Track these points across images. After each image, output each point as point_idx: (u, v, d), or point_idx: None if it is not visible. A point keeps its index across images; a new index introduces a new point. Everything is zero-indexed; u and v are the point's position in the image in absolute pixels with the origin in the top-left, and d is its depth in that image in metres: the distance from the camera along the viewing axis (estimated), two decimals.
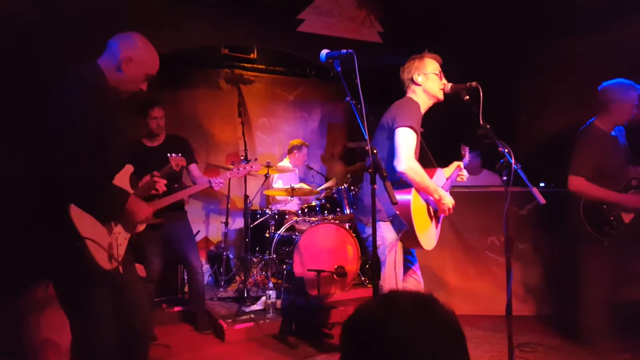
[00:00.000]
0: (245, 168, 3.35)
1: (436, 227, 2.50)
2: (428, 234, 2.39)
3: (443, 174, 2.60)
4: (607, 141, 3.02)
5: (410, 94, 2.45)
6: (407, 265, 2.53)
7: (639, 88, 2.94)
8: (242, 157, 4.06)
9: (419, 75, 2.41)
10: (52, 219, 1.68)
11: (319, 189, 4.76)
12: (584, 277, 3.11)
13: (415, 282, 2.53)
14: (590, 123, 3.07)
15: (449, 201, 2.35)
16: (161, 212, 3.11)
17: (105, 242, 1.77)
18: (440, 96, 2.42)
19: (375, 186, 1.78)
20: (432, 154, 2.62)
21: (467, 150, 2.82)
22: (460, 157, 2.82)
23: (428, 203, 2.42)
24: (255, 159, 3.51)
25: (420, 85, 2.42)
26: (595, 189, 2.94)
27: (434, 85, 2.40)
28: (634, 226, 2.96)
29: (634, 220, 2.96)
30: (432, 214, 2.47)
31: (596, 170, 2.94)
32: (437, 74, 2.41)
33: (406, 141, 2.19)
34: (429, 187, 2.28)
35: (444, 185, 2.53)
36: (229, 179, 3.39)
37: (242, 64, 5.37)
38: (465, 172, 2.72)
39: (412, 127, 2.22)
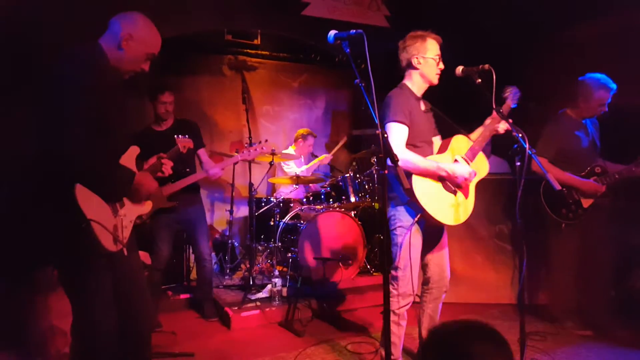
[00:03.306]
0: (256, 150, 3.33)
1: (466, 197, 2.40)
2: (451, 210, 2.33)
3: (463, 140, 2.48)
4: (574, 128, 3.12)
5: (406, 80, 2.46)
6: (431, 252, 2.52)
7: (613, 88, 3.02)
8: (247, 145, 4.02)
9: (417, 58, 2.39)
10: (57, 200, 1.66)
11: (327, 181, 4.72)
12: (550, 260, 3.27)
13: (437, 270, 2.53)
14: (563, 111, 3.20)
15: (461, 171, 2.30)
16: (175, 195, 3.12)
17: (111, 224, 1.76)
18: (435, 81, 2.42)
19: (387, 172, 1.73)
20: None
21: (512, 93, 2.52)
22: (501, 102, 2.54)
23: (443, 180, 2.36)
24: (266, 140, 3.51)
25: (417, 69, 2.41)
26: (557, 170, 3.05)
27: (430, 70, 2.39)
28: (595, 212, 3.03)
29: (592, 206, 3.04)
30: (454, 187, 2.39)
31: (560, 154, 3.07)
32: (435, 59, 2.38)
33: (394, 135, 2.28)
34: (427, 169, 2.28)
35: (469, 150, 2.42)
36: (238, 161, 3.40)
37: (245, 50, 5.30)
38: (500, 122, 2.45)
39: (398, 121, 2.30)
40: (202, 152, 3.48)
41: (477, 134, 2.53)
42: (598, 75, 3.05)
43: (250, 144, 3.92)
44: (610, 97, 3.03)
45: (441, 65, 2.40)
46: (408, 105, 2.36)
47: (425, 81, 2.43)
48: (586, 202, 3.04)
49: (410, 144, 2.39)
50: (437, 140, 2.53)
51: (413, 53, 2.38)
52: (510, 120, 2.29)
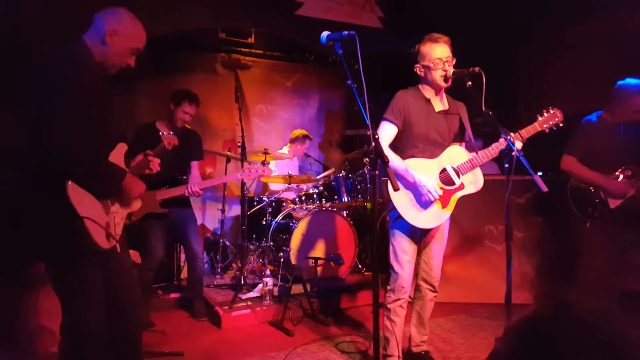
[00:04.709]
0: (257, 171, 3.41)
1: (443, 207, 2.40)
2: (421, 214, 2.37)
3: (459, 151, 2.48)
4: (608, 132, 3.06)
5: (419, 84, 2.51)
6: (422, 250, 2.55)
7: None
8: (239, 144, 4.02)
9: (418, 67, 2.44)
10: (50, 199, 1.66)
11: (318, 177, 4.73)
12: (573, 260, 3.17)
13: (425, 268, 2.56)
14: (599, 115, 3.12)
15: (425, 183, 2.30)
16: (167, 201, 3.14)
17: (103, 221, 1.77)
18: (441, 84, 2.39)
19: (377, 172, 1.75)
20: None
21: (551, 114, 2.43)
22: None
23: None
24: (269, 163, 3.64)
25: (421, 76, 2.46)
26: (585, 170, 3.02)
27: (431, 75, 2.40)
28: (621, 214, 2.99)
29: (620, 207, 3.00)
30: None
31: (591, 155, 3.01)
32: (431, 65, 2.37)
33: (380, 132, 2.39)
34: (397, 170, 2.33)
35: (464, 163, 2.40)
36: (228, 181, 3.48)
37: (239, 49, 5.29)
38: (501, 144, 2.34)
39: (386, 119, 2.41)
40: (194, 165, 3.50)
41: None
42: (637, 81, 2.97)
43: (244, 146, 3.93)
44: None
45: (445, 67, 2.34)
46: (404, 106, 2.40)
47: (432, 86, 2.44)
48: (613, 203, 2.99)
49: (410, 145, 2.43)
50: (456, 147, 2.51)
51: (416, 62, 2.45)
52: (517, 135, 2.30)
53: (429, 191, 2.30)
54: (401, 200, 2.35)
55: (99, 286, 1.76)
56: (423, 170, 2.37)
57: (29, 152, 1.70)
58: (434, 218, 2.40)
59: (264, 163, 3.87)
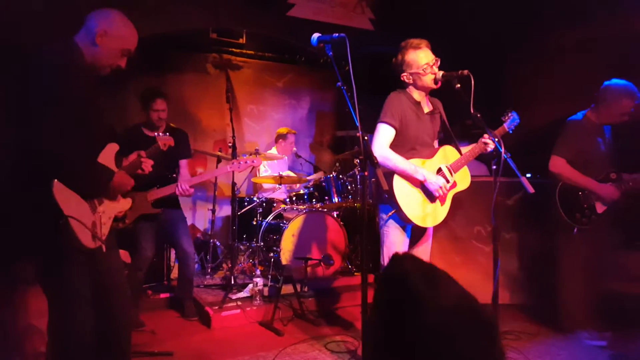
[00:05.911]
0: (246, 162, 3.40)
1: (442, 204, 2.51)
2: (424, 213, 2.44)
3: (452, 151, 2.58)
4: (594, 132, 3.08)
5: (407, 88, 2.55)
6: (410, 250, 2.58)
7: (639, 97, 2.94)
8: (230, 144, 4.02)
9: (405, 75, 2.49)
10: (35, 198, 1.65)
11: (308, 177, 4.75)
12: (560, 264, 3.21)
13: None
14: (584, 114, 3.13)
15: (434, 180, 2.40)
16: (159, 201, 3.13)
17: (89, 221, 1.76)
18: (433, 86, 2.46)
19: (367, 173, 1.78)
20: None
21: (511, 118, 2.59)
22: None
23: (424, 185, 2.46)
24: (257, 152, 3.63)
25: (410, 83, 2.51)
26: (574, 172, 3.01)
27: (421, 81, 2.46)
28: (607, 218, 3.02)
29: (607, 212, 3.02)
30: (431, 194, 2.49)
31: (579, 156, 3.02)
32: (421, 72, 2.42)
33: (379, 135, 2.44)
34: (405, 170, 2.38)
35: (455, 162, 2.52)
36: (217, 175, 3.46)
37: (230, 49, 5.29)
38: (489, 141, 2.47)
39: (386, 122, 2.44)
40: (183, 163, 3.50)
41: (467, 149, 2.59)
42: (624, 83, 2.95)
43: (234, 147, 3.93)
44: (635, 106, 2.92)
45: (435, 69, 2.42)
46: (400, 109, 2.46)
47: (422, 90, 2.50)
48: (600, 208, 3.00)
49: (406, 147, 2.47)
50: (436, 145, 2.61)
51: (400, 71, 2.49)
52: (499, 136, 2.38)
53: (440, 187, 2.39)
54: (406, 200, 2.38)
55: (85, 285, 1.76)
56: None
57: (15, 151, 1.69)
58: (436, 216, 2.49)
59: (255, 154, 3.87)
